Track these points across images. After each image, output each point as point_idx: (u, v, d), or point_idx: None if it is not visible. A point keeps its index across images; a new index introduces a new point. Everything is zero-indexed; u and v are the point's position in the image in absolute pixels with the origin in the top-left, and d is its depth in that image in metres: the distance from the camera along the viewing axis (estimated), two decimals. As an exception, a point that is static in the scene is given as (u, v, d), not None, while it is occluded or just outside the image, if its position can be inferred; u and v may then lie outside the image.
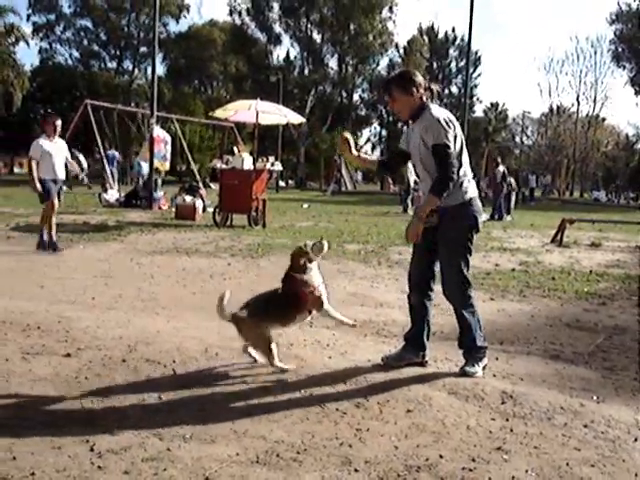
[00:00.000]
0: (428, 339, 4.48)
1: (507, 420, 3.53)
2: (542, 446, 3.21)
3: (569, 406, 3.75)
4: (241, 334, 4.20)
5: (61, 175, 9.69)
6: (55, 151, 9.56)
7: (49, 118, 9.91)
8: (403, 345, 4.49)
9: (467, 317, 4.25)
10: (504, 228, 16.09)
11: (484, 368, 4.32)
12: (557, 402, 3.81)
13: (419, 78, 4.19)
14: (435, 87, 4.30)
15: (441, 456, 3.04)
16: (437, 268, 4.35)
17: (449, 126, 4.07)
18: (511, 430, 3.39)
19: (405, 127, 4.51)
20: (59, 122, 9.75)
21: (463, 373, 4.23)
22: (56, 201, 9.63)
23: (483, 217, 4.34)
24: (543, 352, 4.97)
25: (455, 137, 4.11)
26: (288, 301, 4.18)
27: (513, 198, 21.59)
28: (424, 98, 4.20)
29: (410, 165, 4.44)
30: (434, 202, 4.04)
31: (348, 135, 4.54)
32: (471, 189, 4.23)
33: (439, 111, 4.15)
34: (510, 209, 20.85)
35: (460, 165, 4.15)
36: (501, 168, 20.45)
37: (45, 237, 9.63)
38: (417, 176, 4.45)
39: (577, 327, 5.83)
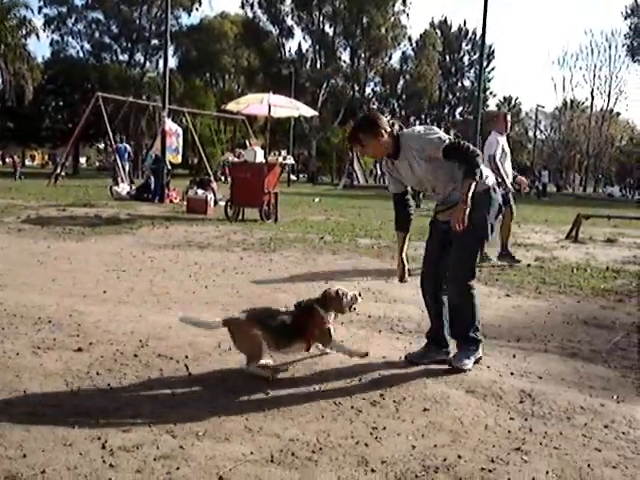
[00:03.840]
0: (450, 334, 4.44)
1: (526, 420, 3.45)
2: (562, 447, 3.13)
3: (589, 406, 3.68)
4: (233, 337, 4.03)
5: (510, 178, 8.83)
6: (508, 150, 8.78)
7: (503, 114, 9.17)
8: (426, 343, 4.47)
9: (465, 307, 4.26)
10: (518, 223, 15.94)
11: (477, 362, 4.29)
12: (576, 401, 3.73)
13: (383, 119, 4.16)
14: (397, 122, 4.25)
15: (459, 456, 2.97)
16: None
17: (432, 130, 4.12)
18: (530, 430, 3.32)
19: (385, 167, 4.42)
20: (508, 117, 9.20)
21: (451, 366, 4.20)
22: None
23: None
24: (561, 350, 4.88)
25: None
26: (294, 328, 4.04)
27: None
28: (394, 132, 4.15)
29: None
30: (473, 184, 3.96)
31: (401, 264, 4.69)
32: (491, 177, 4.28)
33: (413, 130, 4.19)
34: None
35: None
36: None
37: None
38: (433, 192, 4.42)
39: (594, 324, 5.74)
